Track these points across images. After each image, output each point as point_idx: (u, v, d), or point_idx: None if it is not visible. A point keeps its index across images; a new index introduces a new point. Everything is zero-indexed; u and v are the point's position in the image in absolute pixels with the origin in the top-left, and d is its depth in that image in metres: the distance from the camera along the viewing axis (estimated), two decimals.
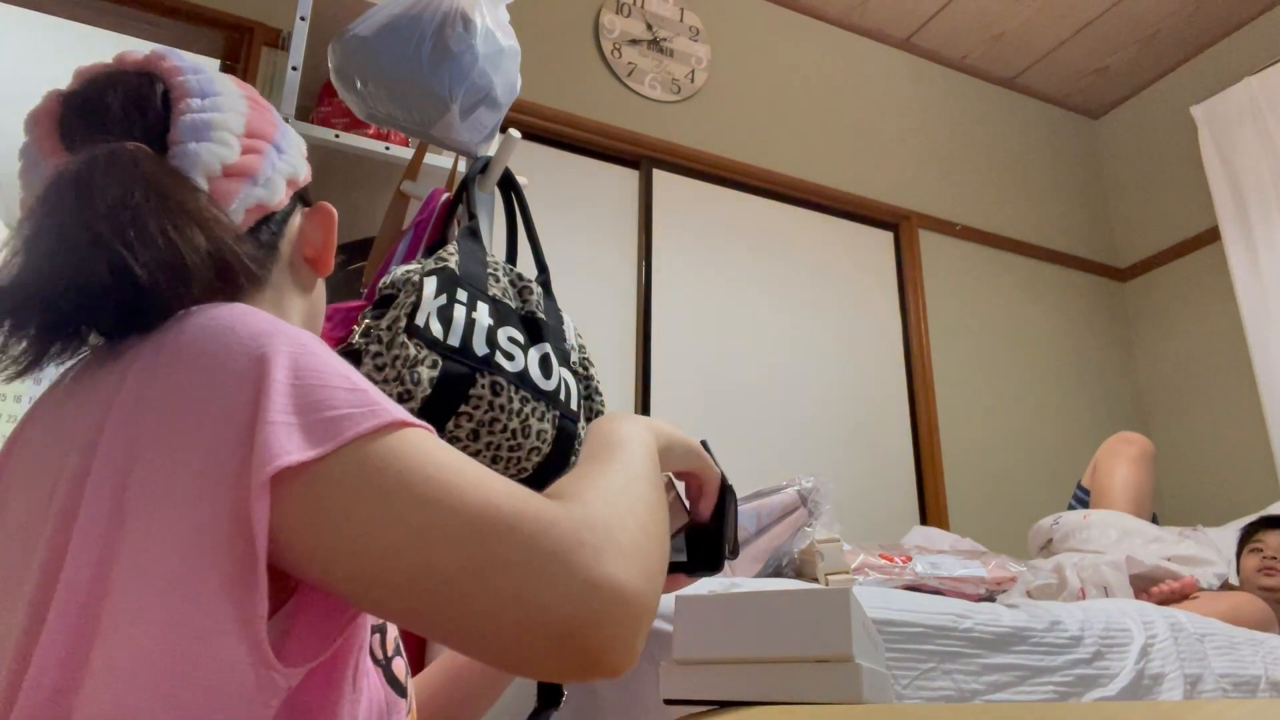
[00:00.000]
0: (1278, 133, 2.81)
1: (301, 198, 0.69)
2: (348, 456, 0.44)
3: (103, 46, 3.04)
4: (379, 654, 0.59)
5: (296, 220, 0.67)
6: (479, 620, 0.43)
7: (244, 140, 0.61)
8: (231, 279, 0.55)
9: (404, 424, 0.47)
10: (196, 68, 0.62)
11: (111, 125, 0.58)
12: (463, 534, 0.44)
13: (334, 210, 0.69)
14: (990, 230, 3.12)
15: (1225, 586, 1.77)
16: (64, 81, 0.61)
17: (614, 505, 0.50)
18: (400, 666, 0.62)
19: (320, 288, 0.70)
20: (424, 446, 0.47)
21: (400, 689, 0.60)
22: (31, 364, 0.51)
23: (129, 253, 0.49)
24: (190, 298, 0.52)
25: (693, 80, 2.74)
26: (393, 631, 0.63)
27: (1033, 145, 3.37)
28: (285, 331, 0.48)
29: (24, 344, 0.50)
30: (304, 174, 0.67)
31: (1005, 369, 2.97)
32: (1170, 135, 3.26)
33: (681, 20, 2.79)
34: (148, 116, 0.59)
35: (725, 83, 2.81)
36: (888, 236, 2.93)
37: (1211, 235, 3.01)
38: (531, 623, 0.43)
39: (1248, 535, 1.90)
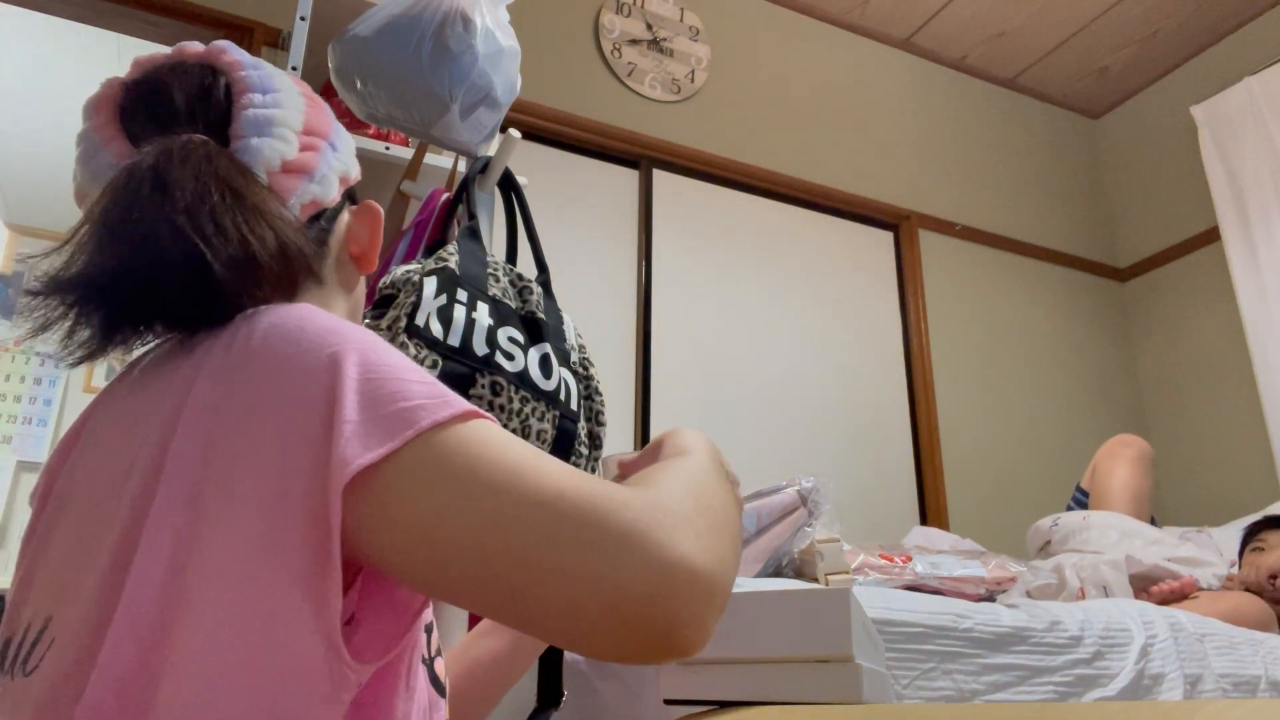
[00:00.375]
0: (1278, 133, 2.80)
1: (349, 195, 0.70)
2: (422, 444, 0.45)
3: (102, 46, 3.05)
4: (425, 653, 0.59)
5: (345, 218, 0.68)
6: (552, 598, 0.43)
7: (302, 137, 0.61)
8: (293, 275, 0.56)
9: (475, 414, 0.48)
10: (256, 63, 0.63)
11: (175, 116, 0.59)
12: (536, 514, 0.44)
13: (380, 209, 0.70)
14: (990, 230, 3.12)
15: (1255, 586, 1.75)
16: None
17: (688, 492, 0.51)
18: (441, 666, 0.62)
19: (361, 287, 0.71)
20: (495, 435, 0.48)
21: (441, 688, 0.60)
22: (95, 351, 0.52)
23: (207, 247, 0.50)
24: (258, 293, 0.53)
25: (693, 80, 2.74)
26: (436, 631, 0.64)
27: (1033, 145, 3.37)
28: (353, 329, 0.50)
29: (89, 331, 0.51)
30: (355, 172, 0.68)
31: (1005, 369, 2.97)
32: (1170, 135, 3.26)
33: (681, 20, 2.79)
34: (211, 110, 0.60)
35: (725, 83, 2.81)
36: (888, 236, 2.93)
37: (1211, 235, 3.01)
38: (605, 598, 0.43)
39: (1250, 534, 1.90)
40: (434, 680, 0.59)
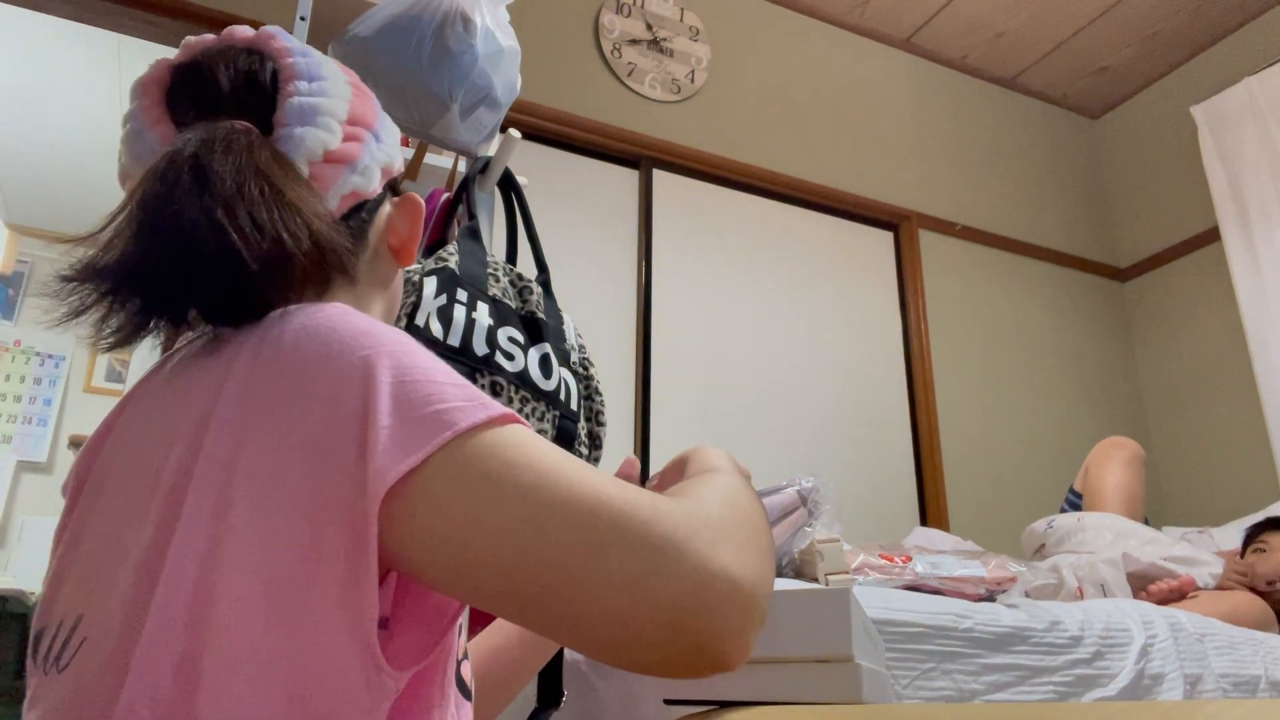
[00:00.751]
0: (1278, 133, 2.81)
1: (391, 187, 0.69)
2: (458, 448, 0.45)
3: (102, 46, 3.05)
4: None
5: (386, 209, 0.67)
6: (588, 606, 0.43)
7: (346, 127, 0.61)
8: (326, 273, 0.56)
9: (511, 418, 0.48)
10: (304, 50, 0.62)
11: (220, 102, 0.59)
12: (573, 520, 0.43)
13: (422, 201, 0.69)
14: (990, 230, 3.12)
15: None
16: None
17: (726, 504, 0.50)
18: (468, 669, 0.62)
19: (399, 279, 0.70)
20: (531, 440, 0.47)
21: (467, 691, 0.60)
22: (129, 337, 0.52)
23: (242, 242, 0.50)
24: (290, 289, 0.53)
25: (693, 80, 2.74)
26: (464, 634, 0.63)
27: (1033, 145, 3.37)
28: (385, 331, 0.49)
29: (123, 317, 0.51)
30: (398, 164, 0.67)
31: (1005, 369, 2.97)
32: (1170, 135, 3.26)
33: (681, 20, 2.79)
34: (256, 96, 0.59)
35: (725, 83, 2.81)
36: (888, 236, 2.93)
37: (1211, 235, 3.01)
38: (643, 607, 0.42)
39: (1252, 536, 1.91)
40: (459, 682, 0.58)
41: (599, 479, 0.46)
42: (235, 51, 0.61)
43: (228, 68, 0.60)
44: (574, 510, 0.44)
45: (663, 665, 0.44)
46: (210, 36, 0.63)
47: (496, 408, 0.47)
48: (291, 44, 0.62)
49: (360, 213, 0.63)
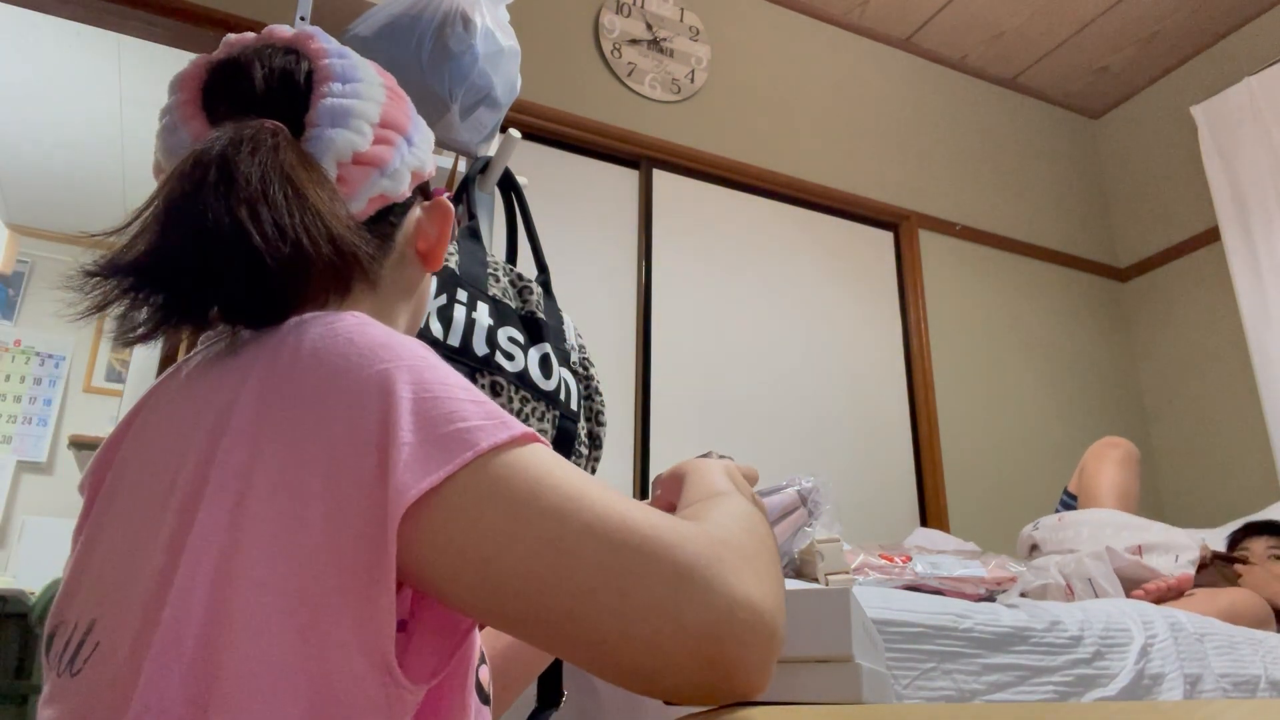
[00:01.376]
0: (1278, 133, 2.80)
1: (422, 191, 0.69)
2: (480, 467, 0.44)
3: (102, 46, 3.05)
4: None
5: (415, 213, 0.67)
6: (612, 631, 0.42)
7: (378, 130, 0.61)
8: (347, 278, 0.56)
9: (533, 437, 0.47)
10: (342, 51, 0.63)
11: (253, 100, 0.59)
12: (598, 544, 0.43)
13: (452, 207, 0.69)
14: (990, 230, 3.12)
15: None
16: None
17: (744, 530, 0.50)
18: (486, 674, 0.61)
19: (426, 283, 0.70)
20: (553, 460, 0.47)
21: (485, 696, 0.59)
22: (149, 334, 0.51)
23: (264, 244, 0.50)
24: (309, 292, 0.53)
25: (693, 80, 2.74)
26: (479, 640, 0.63)
27: (1033, 145, 3.37)
28: (404, 344, 0.49)
29: (145, 313, 0.51)
30: (430, 168, 0.67)
31: (1005, 369, 2.97)
32: (1170, 135, 3.26)
33: (681, 20, 2.79)
34: (290, 95, 0.60)
35: (725, 83, 2.81)
36: (888, 236, 2.93)
37: (1211, 235, 3.01)
38: (668, 634, 0.42)
39: (1234, 542, 1.91)
40: (478, 687, 0.58)
41: (623, 502, 0.45)
42: (273, 51, 0.61)
43: (263, 66, 0.60)
44: (599, 534, 0.43)
45: (685, 692, 0.43)
46: (250, 34, 0.63)
47: (518, 427, 0.47)
48: (329, 45, 0.62)
49: (388, 216, 0.63)
